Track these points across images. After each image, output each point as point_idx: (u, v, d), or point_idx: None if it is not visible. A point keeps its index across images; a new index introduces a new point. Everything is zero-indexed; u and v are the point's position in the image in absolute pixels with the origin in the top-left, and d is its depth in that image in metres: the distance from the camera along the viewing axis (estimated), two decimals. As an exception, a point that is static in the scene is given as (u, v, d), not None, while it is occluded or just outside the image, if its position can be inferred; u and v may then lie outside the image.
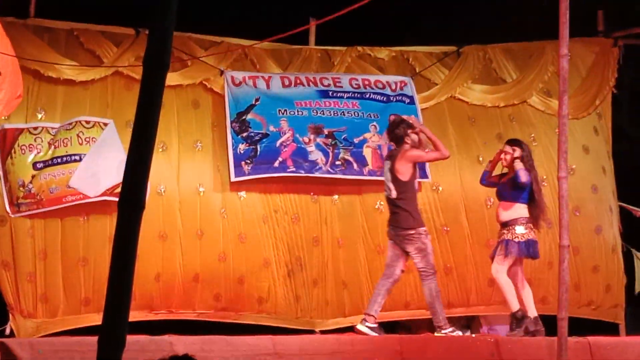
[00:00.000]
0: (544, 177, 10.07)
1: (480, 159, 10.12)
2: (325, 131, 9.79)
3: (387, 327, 9.62)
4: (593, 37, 10.90)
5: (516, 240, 8.70)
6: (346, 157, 9.78)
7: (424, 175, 9.86)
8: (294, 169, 9.60)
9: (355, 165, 9.78)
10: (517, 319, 8.74)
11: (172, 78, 9.11)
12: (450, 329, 8.60)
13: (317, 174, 9.68)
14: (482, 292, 9.75)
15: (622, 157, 11.00)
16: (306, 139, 9.71)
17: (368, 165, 9.83)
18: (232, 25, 10.01)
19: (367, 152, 9.86)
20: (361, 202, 9.95)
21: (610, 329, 10.36)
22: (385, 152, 9.80)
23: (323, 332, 9.50)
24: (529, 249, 8.74)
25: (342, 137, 9.81)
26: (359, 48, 10.30)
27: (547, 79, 10.51)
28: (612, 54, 10.80)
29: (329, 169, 9.71)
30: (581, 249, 10.30)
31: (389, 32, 10.72)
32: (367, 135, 9.90)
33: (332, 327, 9.65)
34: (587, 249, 10.35)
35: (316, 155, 9.71)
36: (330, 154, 9.74)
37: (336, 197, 9.87)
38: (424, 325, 9.69)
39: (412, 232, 8.59)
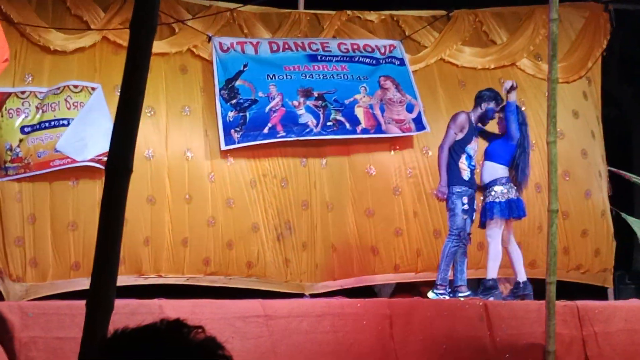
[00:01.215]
0: (533, 141, 10.07)
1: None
2: (315, 94, 9.73)
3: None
4: (583, 2, 10.87)
5: (497, 200, 8.74)
6: (337, 117, 9.73)
7: (421, 127, 9.86)
8: (284, 134, 9.56)
9: (347, 125, 9.74)
10: (485, 287, 8.85)
11: (159, 46, 9.07)
12: (442, 291, 8.70)
13: (308, 137, 9.66)
14: (471, 255, 9.76)
15: (611, 122, 11.00)
16: (296, 103, 9.67)
17: (361, 124, 9.79)
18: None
19: (358, 112, 9.81)
20: (350, 166, 9.94)
21: (598, 293, 10.42)
22: (377, 112, 9.78)
23: (312, 295, 9.54)
24: (511, 209, 8.76)
25: (333, 99, 9.76)
26: (348, 12, 10.25)
27: (538, 42, 10.47)
28: (602, 19, 10.77)
29: (321, 130, 9.67)
30: (570, 213, 10.33)
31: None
32: (357, 96, 9.86)
33: (322, 290, 9.68)
34: (577, 213, 10.38)
35: (306, 118, 9.66)
36: (321, 115, 9.69)
37: (324, 161, 9.86)
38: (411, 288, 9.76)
39: (446, 190, 8.80)
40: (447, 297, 8.73)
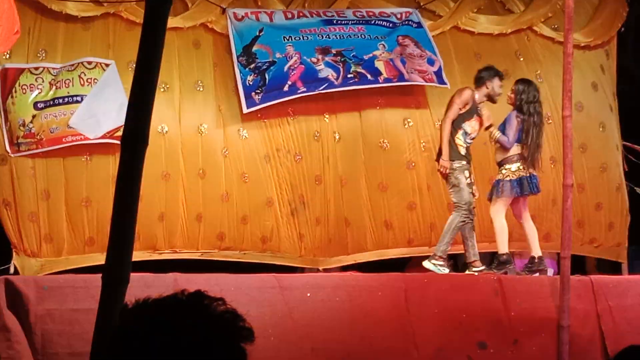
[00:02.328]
0: (549, 113, 10.03)
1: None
2: (333, 51, 9.63)
3: (395, 263, 9.71)
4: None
5: (507, 179, 8.75)
6: (358, 69, 9.62)
7: (442, 81, 9.77)
8: (304, 90, 9.43)
9: (369, 76, 9.61)
10: (500, 262, 8.85)
11: (172, 21, 9.02)
12: (440, 262, 8.68)
13: (330, 90, 9.56)
14: (485, 229, 9.74)
15: (625, 97, 10.92)
16: (314, 59, 9.58)
17: (382, 74, 9.69)
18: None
19: (379, 65, 9.70)
20: (364, 140, 9.90)
21: (612, 268, 10.40)
22: (398, 64, 9.70)
23: (326, 270, 9.54)
24: (523, 186, 8.76)
25: (351, 55, 9.65)
26: (363, -14, 10.20)
27: (557, 8, 10.33)
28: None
29: (342, 82, 9.54)
30: (586, 186, 10.27)
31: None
32: (376, 52, 9.73)
33: (335, 265, 9.68)
34: (592, 187, 10.33)
35: (326, 72, 9.54)
36: (341, 69, 9.57)
37: (337, 135, 9.82)
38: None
39: (448, 165, 8.81)
40: (447, 271, 8.70)
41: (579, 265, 10.02)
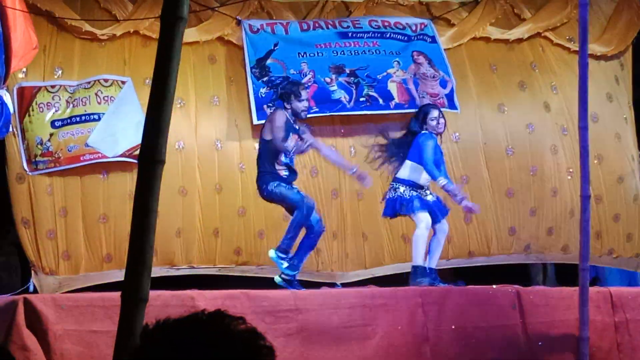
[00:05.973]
0: (565, 125, 10.01)
1: (504, 108, 10.05)
2: (347, 70, 9.67)
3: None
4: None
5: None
6: (370, 93, 9.65)
7: (453, 106, 9.74)
8: (317, 110, 9.47)
9: (380, 101, 9.65)
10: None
11: (188, 34, 9.04)
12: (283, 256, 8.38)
13: (342, 112, 9.59)
14: (502, 240, 9.72)
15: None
16: (328, 79, 9.61)
17: (394, 99, 9.72)
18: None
19: (391, 87, 9.72)
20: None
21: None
22: (411, 86, 9.71)
23: (344, 284, 9.51)
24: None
25: (365, 75, 9.68)
26: (376, -1, 10.21)
27: (572, 17, 10.30)
28: (634, 2, 10.66)
29: (353, 106, 9.59)
30: (603, 198, 10.24)
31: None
32: (390, 70, 9.76)
33: (353, 279, 9.66)
34: (609, 198, 10.29)
35: (339, 94, 9.58)
36: (354, 91, 9.61)
37: (353, 149, 9.83)
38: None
39: None
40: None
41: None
